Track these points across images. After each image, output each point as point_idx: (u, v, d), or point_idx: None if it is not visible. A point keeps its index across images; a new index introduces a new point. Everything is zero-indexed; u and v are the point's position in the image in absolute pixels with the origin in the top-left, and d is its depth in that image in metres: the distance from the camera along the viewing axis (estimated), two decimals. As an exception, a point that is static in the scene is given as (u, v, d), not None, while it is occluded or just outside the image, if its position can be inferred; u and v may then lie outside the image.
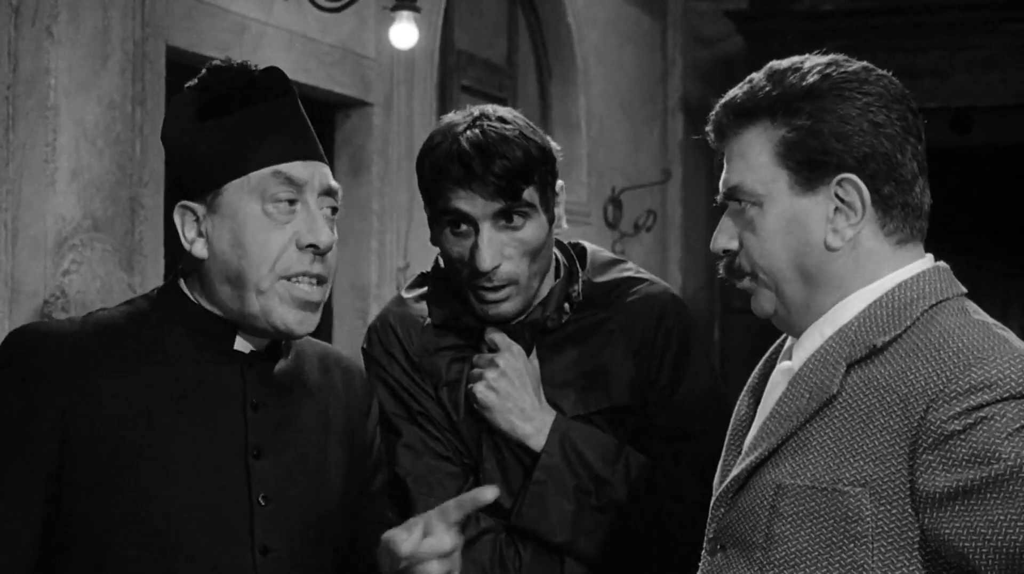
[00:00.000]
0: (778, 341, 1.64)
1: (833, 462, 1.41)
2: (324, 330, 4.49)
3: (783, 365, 1.57)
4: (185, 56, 3.49)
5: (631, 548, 1.95)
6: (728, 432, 1.65)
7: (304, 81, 4.09)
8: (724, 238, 1.55)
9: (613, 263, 2.09)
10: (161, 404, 1.62)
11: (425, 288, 2.05)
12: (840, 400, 1.43)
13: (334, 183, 1.70)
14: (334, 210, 1.71)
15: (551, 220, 1.96)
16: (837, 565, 1.40)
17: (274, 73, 1.70)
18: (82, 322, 1.68)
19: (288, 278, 1.64)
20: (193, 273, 1.70)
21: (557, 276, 2.01)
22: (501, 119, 1.92)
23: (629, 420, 1.99)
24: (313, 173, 1.67)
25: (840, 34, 6.72)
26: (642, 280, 2.06)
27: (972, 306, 1.48)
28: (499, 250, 1.88)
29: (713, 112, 1.57)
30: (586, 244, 2.11)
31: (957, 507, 1.32)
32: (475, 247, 1.88)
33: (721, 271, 1.58)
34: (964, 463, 1.32)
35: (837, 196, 1.46)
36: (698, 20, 7.43)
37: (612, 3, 6.59)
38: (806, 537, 1.42)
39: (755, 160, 1.50)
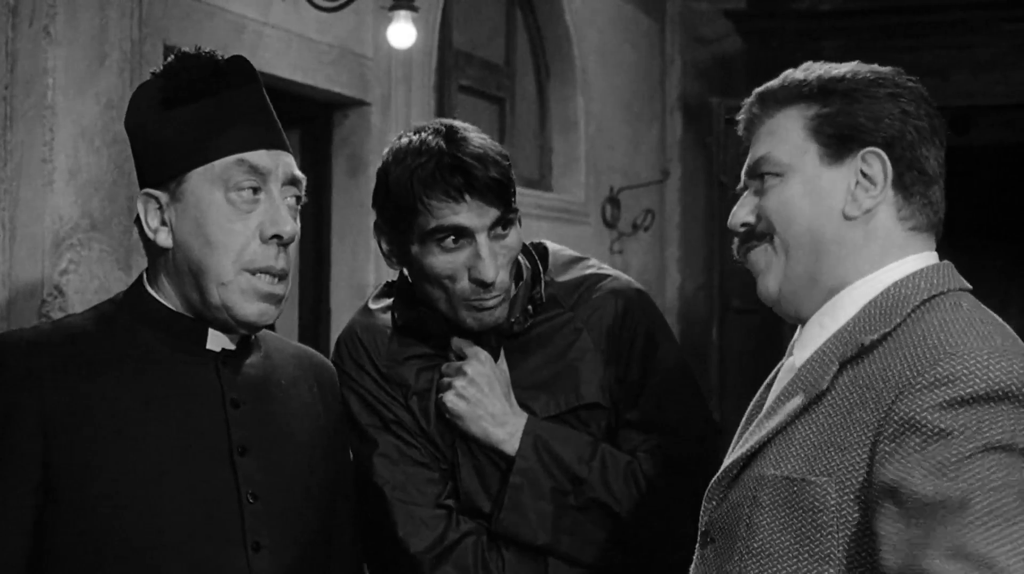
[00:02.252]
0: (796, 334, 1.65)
1: (811, 454, 1.43)
2: (323, 329, 4.49)
3: (787, 362, 1.60)
4: (183, 55, 3.49)
5: (614, 545, 1.96)
6: (739, 429, 1.65)
7: (302, 80, 4.08)
8: (743, 212, 1.58)
9: (575, 261, 2.10)
10: (141, 407, 1.61)
11: (391, 299, 2.05)
12: (828, 397, 1.46)
13: (298, 172, 1.70)
14: (298, 199, 1.71)
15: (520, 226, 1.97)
16: (807, 555, 1.41)
17: (239, 62, 1.70)
18: (52, 329, 1.67)
19: (251, 271, 1.64)
20: (158, 267, 1.69)
21: (520, 279, 2.02)
22: (468, 130, 1.93)
23: (602, 417, 2.01)
24: (277, 162, 1.66)
25: (839, 33, 6.71)
26: (605, 276, 2.07)
27: (969, 300, 1.49)
28: (495, 259, 1.89)
29: (746, 103, 1.61)
30: (548, 243, 2.12)
31: (889, 505, 1.33)
32: (477, 259, 1.87)
33: (735, 248, 1.61)
34: (912, 466, 1.32)
35: (861, 171, 1.51)
36: (696, 19, 7.42)
37: (610, 2, 6.59)
38: (779, 526, 1.44)
39: (786, 135, 1.54)
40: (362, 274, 4.47)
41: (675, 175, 7.23)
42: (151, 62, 3.30)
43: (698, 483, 1.95)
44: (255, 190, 1.64)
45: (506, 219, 1.90)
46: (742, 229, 1.59)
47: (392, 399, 1.98)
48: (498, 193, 1.87)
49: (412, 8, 4.22)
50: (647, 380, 2.01)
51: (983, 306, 1.50)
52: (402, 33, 4.22)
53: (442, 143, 1.89)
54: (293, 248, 1.68)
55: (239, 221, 1.63)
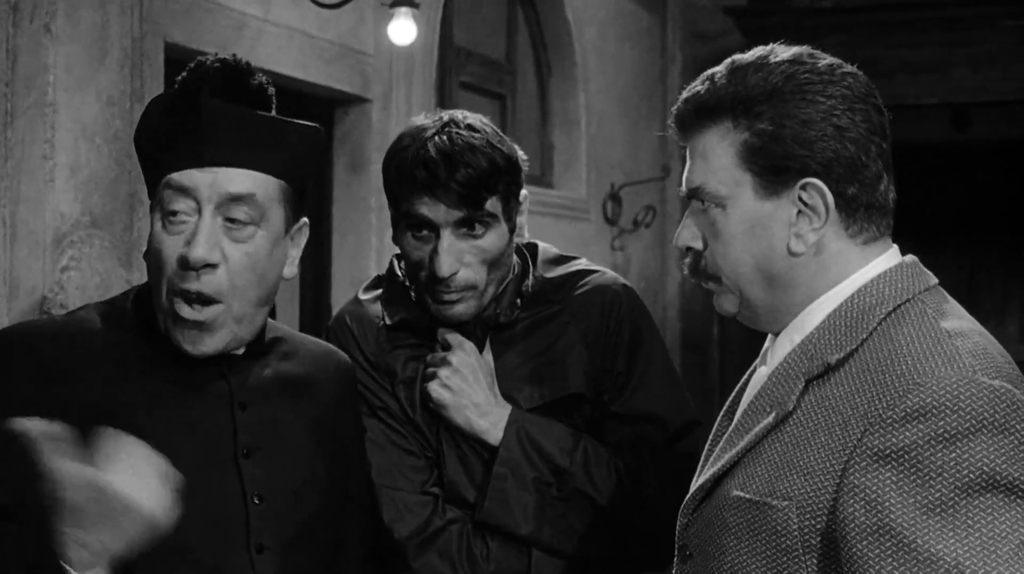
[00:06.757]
0: (767, 342, 1.63)
1: (773, 476, 1.40)
2: (324, 326, 4.48)
3: (759, 371, 1.56)
4: (184, 52, 3.49)
5: (596, 535, 1.98)
6: (711, 434, 1.64)
7: (303, 77, 4.09)
8: (687, 235, 1.53)
9: (564, 259, 2.13)
10: (148, 407, 1.61)
11: (380, 290, 2.08)
12: (794, 417, 1.42)
13: (238, 189, 1.57)
14: (242, 221, 1.58)
15: (512, 229, 1.98)
16: None
17: (232, 73, 1.62)
18: (64, 321, 1.65)
19: (174, 293, 1.59)
20: None
21: (511, 275, 2.04)
22: (470, 127, 1.93)
23: (585, 408, 2.03)
24: (210, 180, 1.56)
25: (838, 30, 6.72)
26: (592, 271, 2.10)
27: (933, 304, 1.43)
28: (458, 257, 1.91)
29: (675, 106, 1.54)
30: (539, 242, 2.15)
31: (869, 544, 1.29)
32: (435, 253, 1.90)
33: (685, 270, 1.58)
34: (894, 505, 1.28)
35: (800, 200, 1.44)
36: (697, 16, 7.42)
37: (611, -1, 6.59)
38: (746, 549, 1.41)
39: (717, 162, 1.48)
40: (363, 271, 4.47)
41: (676, 172, 7.23)
42: (152, 59, 3.30)
43: (680, 475, 1.97)
44: (188, 212, 1.57)
45: (475, 220, 1.90)
46: (687, 253, 1.55)
47: (379, 386, 2.00)
48: (462, 195, 1.88)
49: (413, 5, 4.22)
50: (632, 373, 2.03)
51: (948, 303, 1.44)
52: (403, 30, 4.23)
53: (427, 134, 1.91)
54: (224, 272, 1.57)
55: (167, 241, 1.57)
